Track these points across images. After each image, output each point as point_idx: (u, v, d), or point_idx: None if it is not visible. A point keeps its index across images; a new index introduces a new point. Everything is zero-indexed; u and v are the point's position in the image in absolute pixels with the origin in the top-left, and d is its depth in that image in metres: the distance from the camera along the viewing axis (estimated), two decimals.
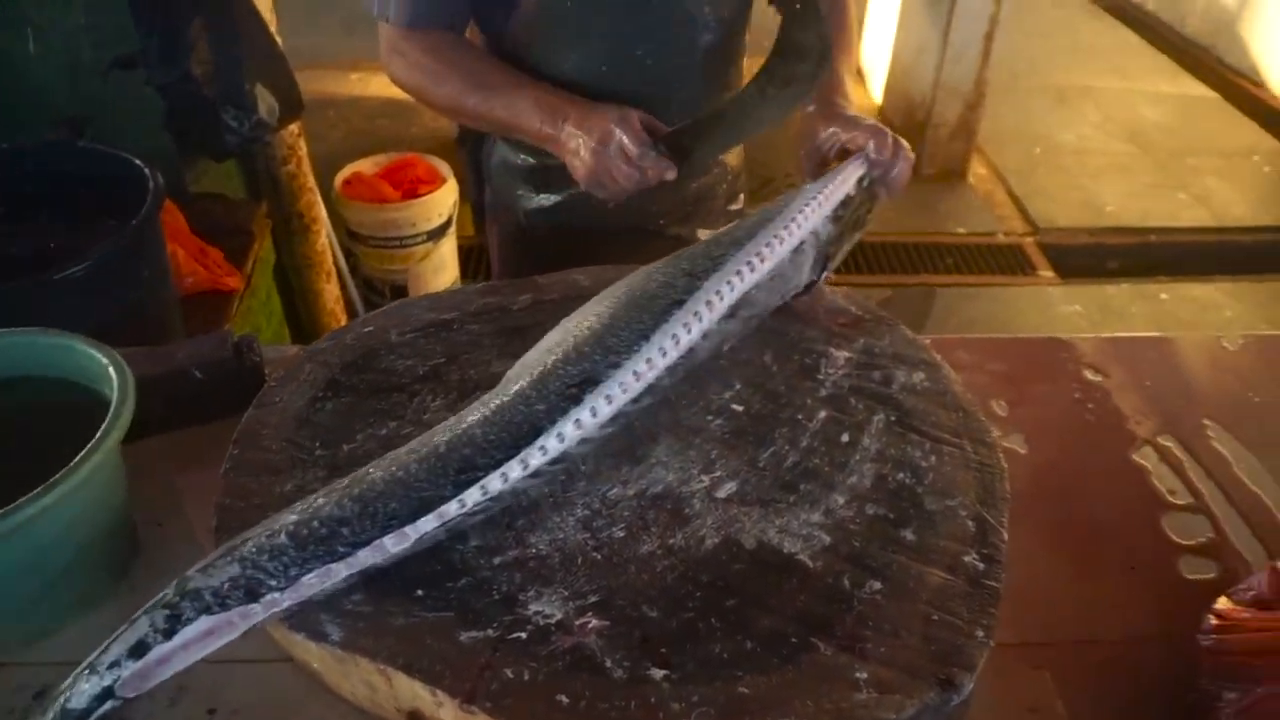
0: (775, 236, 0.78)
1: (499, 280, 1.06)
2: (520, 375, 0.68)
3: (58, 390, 0.71)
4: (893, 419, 0.77)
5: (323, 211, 2.11)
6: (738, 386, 0.80)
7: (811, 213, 0.81)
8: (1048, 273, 3.09)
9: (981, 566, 0.64)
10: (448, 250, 2.54)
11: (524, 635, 0.57)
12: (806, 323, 0.88)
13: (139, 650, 0.53)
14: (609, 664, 0.56)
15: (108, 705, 0.53)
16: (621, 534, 0.65)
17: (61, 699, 0.52)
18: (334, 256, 2.22)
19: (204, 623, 0.54)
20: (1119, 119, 4.10)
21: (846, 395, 0.79)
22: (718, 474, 0.70)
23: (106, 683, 0.52)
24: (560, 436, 0.63)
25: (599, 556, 0.63)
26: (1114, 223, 3.34)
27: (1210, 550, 0.79)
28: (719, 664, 0.56)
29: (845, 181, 0.86)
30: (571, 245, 1.19)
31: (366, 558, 0.57)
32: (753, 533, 0.65)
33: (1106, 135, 3.96)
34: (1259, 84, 4.30)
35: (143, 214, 0.99)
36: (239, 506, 0.66)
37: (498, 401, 0.65)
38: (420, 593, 0.60)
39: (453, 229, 2.53)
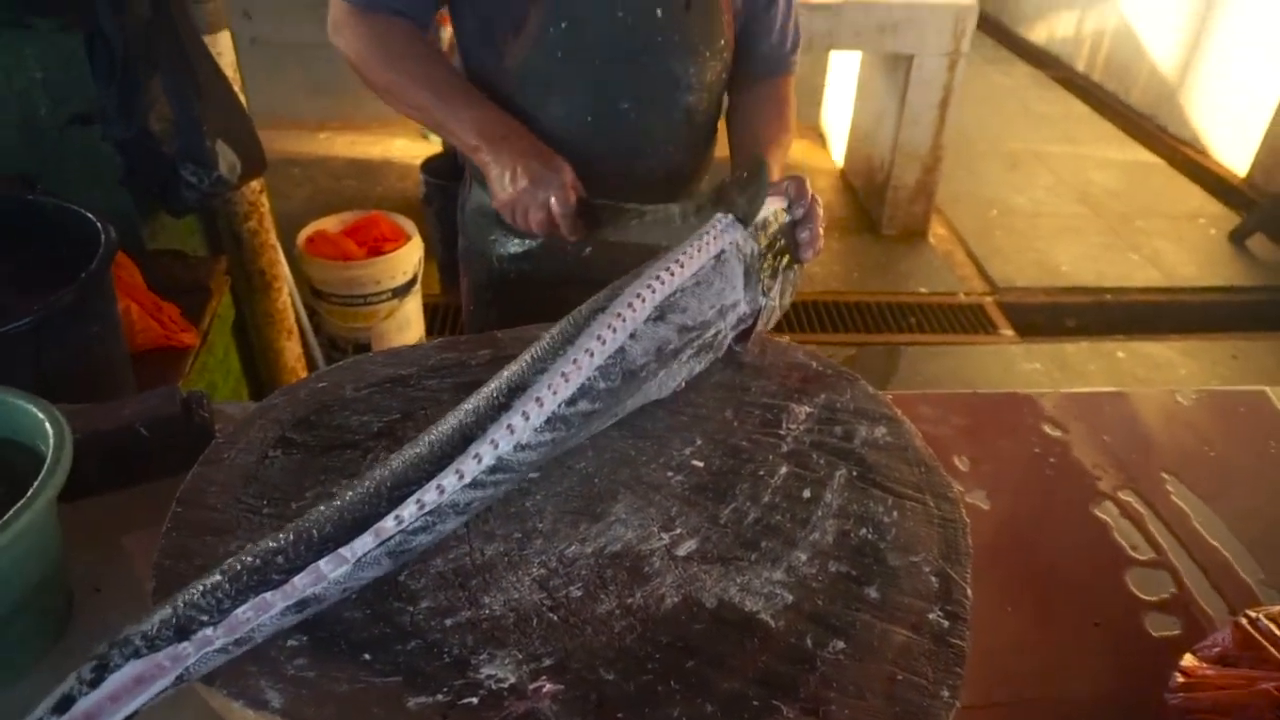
0: (693, 246, 0.79)
1: (463, 334, 1.06)
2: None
3: None
4: (855, 474, 0.76)
5: (285, 269, 2.09)
6: (699, 442, 0.79)
7: (728, 225, 0.83)
8: (1008, 331, 3.15)
9: (946, 624, 0.62)
10: (413, 308, 2.53)
11: (475, 700, 0.55)
12: (768, 378, 0.88)
13: (63, 705, 0.49)
14: None
15: None
16: (579, 594, 0.63)
17: None
18: (296, 314, 2.20)
19: (132, 668, 0.51)
20: (1070, 183, 4.24)
21: (808, 450, 0.79)
22: (678, 531, 0.69)
23: None
24: (494, 443, 0.63)
25: (555, 617, 0.61)
26: (1070, 283, 3.42)
27: (1173, 606, 0.79)
28: None
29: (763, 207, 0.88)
30: (541, 294, 1.20)
31: (304, 585, 0.55)
32: (713, 591, 0.64)
33: (1058, 198, 4.09)
34: (1201, 151, 4.49)
35: (93, 267, 0.97)
36: (180, 568, 0.63)
37: (434, 429, 0.66)
38: (367, 656, 0.57)
39: (418, 287, 2.52)
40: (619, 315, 0.71)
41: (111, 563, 0.75)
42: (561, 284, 1.20)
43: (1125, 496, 0.90)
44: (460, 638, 0.59)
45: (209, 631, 0.53)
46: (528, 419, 0.64)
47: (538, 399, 0.65)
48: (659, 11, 1.01)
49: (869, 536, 0.70)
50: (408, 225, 2.49)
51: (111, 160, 1.51)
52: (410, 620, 0.60)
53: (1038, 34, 6.26)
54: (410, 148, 4.18)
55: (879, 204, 3.70)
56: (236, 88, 1.71)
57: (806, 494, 0.74)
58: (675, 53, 1.06)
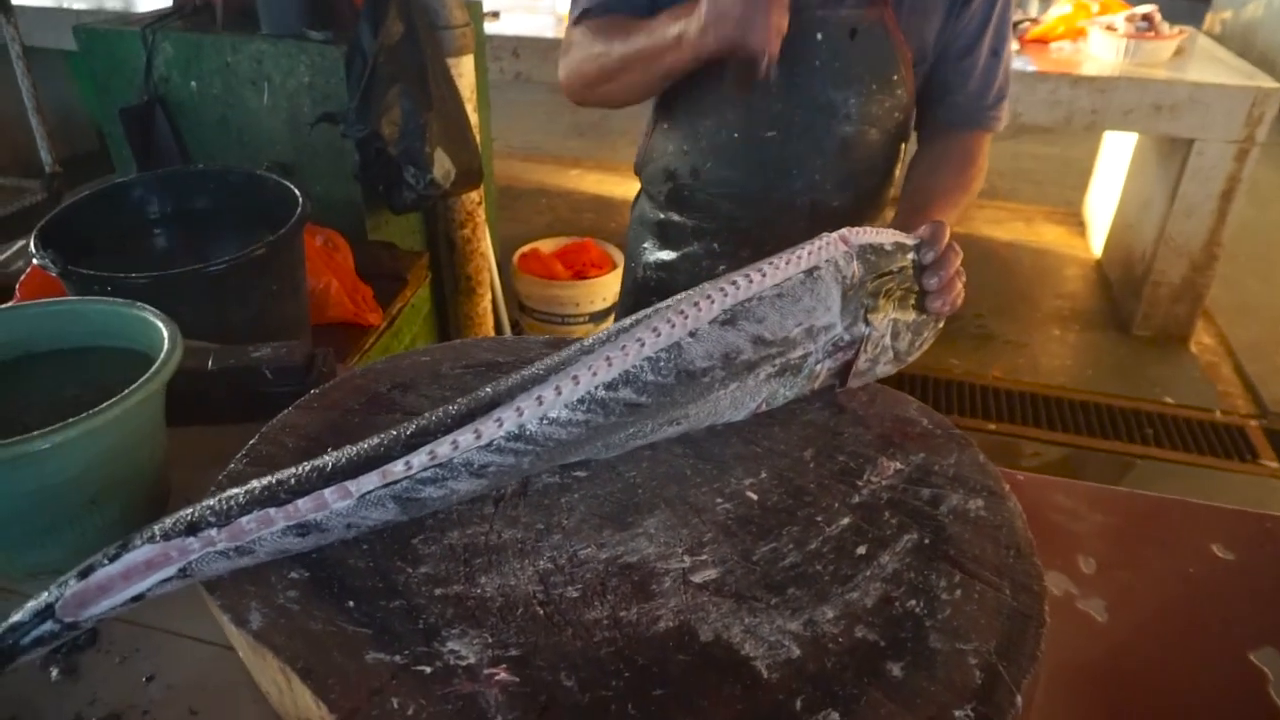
0: (781, 257, 0.73)
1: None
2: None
3: (134, 364, 0.77)
4: (926, 542, 0.67)
5: (491, 277, 2.24)
6: (762, 475, 0.74)
7: (831, 243, 0.76)
8: (1272, 463, 2.68)
9: None
10: None
11: (428, 669, 0.54)
12: (866, 427, 0.81)
13: (86, 572, 0.56)
14: None
15: (47, 626, 0.55)
16: (575, 595, 0.61)
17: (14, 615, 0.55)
18: (496, 320, 2.34)
19: (145, 552, 0.56)
20: None
21: (881, 507, 0.71)
22: (703, 558, 0.64)
23: (50, 599, 0.55)
24: (519, 410, 0.62)
25: (541, 612, 0.59)
26: None
27: None
28: None
29: (880, 233, 0.80)
30: None
31: (306, 509, 0.58)
32: (714, 625, 0.59)
33: None
34: None
35: (282, 231, 1.09)
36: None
37: (473, 395, 0.67)
38: (351, 604, 0.59)
39: (614, 316, 2.60)
40: (681, 311, 0.68)
41: (210, 483, 0.83)
42: None
43: None
44: (441, 609, 0.59)
45: (213, 533, 0.57)
46: (559, 394, 0.63)
47: (574, 376, 0.64)
48: (819, 35, 0.98)
49: (916, 610, 0.61)
50: (616, 255, 2.58)
51: (350, 157, 1.70)
52: (404, 581, 0.61)
53: None
54: None
55: (1134, 300, 3.31)
56: (470, 108, 1.87)
57: (861, 550, 0.66)
58: (834, 80, 1.02)
